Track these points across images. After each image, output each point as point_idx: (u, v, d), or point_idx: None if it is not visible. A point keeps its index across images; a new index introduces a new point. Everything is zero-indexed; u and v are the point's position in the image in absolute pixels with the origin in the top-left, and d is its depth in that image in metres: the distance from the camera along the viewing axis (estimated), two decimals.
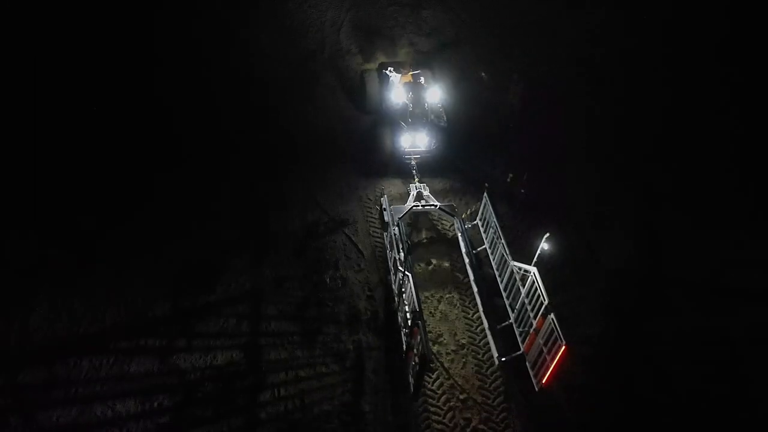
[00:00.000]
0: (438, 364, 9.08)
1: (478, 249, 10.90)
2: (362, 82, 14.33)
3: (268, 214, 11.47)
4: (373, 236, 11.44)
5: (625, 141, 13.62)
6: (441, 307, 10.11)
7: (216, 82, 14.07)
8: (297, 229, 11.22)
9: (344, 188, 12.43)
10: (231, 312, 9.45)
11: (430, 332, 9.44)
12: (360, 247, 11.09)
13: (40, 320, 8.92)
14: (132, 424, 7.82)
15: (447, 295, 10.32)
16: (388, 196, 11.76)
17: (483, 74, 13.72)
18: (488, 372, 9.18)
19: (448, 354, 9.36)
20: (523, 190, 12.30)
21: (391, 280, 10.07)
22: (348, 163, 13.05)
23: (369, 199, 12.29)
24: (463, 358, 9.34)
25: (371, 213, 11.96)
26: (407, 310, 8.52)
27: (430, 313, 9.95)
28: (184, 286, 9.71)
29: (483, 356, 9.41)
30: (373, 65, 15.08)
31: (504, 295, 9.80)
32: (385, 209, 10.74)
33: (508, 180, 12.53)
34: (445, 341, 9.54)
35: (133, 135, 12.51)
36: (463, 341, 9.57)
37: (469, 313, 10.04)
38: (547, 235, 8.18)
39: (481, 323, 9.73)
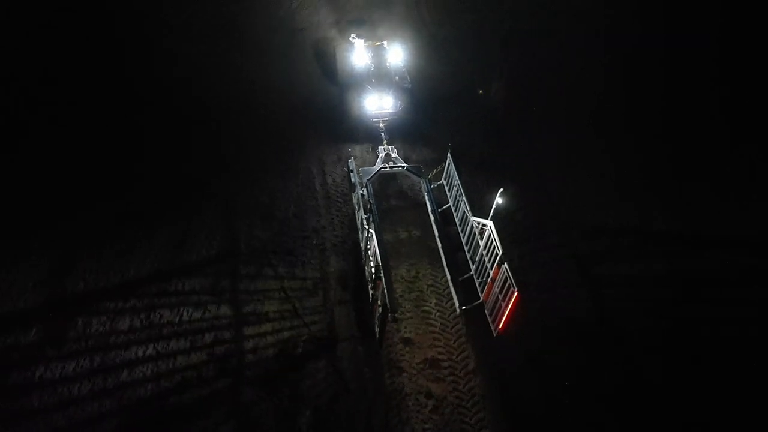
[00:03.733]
0: (403, 310, 9.67)
1: (443, 207, 11.40)
2: (334, 55, 14.58)
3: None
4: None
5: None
6: (412, 272, 10.67)
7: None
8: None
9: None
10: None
11: (397, 289, 10.05)
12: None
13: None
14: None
15: (415, 261, 10.88)
16: (355, 159, 12.12)
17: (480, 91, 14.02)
18: (450, 318, 9.86)
19: (416, 305, 9.99)
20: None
21: (359, 238, 10.55)
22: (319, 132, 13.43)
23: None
24: (429, 310, 9.98)
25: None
26: (372, 265, 9.03)
27: (402, 277, 10.48)
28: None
29: (446, 304, 10.08)
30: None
31: (465, 249, 10.38)
32: (351, 171, 11.08)
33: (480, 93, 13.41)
34: (413, 295, 10.15)
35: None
36: (429, 295, 10.18)
37: (436, 273, 10.61)
38: (501, 190, 8.67)
39: (445, 276, 10.33)
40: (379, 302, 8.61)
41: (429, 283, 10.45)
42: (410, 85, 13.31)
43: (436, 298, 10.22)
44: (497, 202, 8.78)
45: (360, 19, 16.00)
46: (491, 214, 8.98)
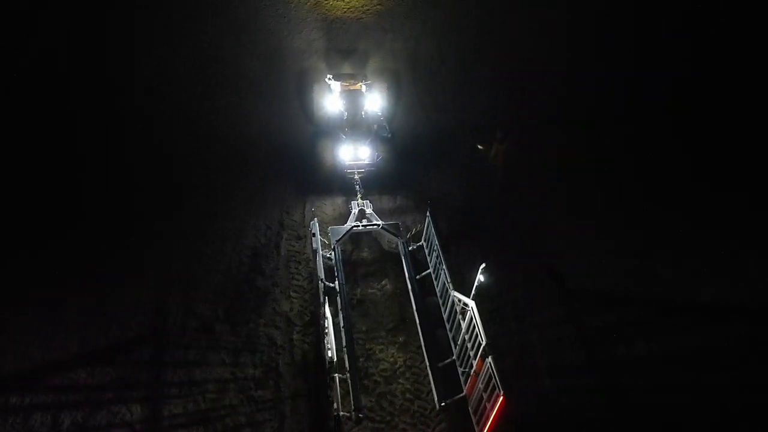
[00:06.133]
0: (364, 414, 7.98)
1: (423, 273, 9.91)
2: (312, 93, 13.43)
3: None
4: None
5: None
6: (381, 344, 9.09)
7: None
8: None
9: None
10: None
11: (366, 369, 8.51)
12: None
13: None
14: None
15: (389, 328, 9.32)
16: (325, 217, 10.75)
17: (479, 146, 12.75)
18: (432, 415, 8.18)
19: (387, 394, 8.34)
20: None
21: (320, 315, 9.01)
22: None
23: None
24: (406, 401, 8.33)
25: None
26: (327, 357, 7.43)
27: (368, 350, 8.94)
28: None
29: (426, 396, 8.41)
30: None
31: (447, 326, 8.83)
32: (314, 234, 9.60)
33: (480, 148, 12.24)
34: (384, 376, 8.55)
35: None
36: (405, 380, 8.57)
37: (412, 349, 9.03)
38: (483, 265, 7.19)
39: (423, 360, 8.72)
40: (335, 405, 7.01)
41: (405, 366, 8.82)
42: (390, 135, 12.06)
43: (413, 386, 8.56)
44: (479, 279, 7.30)
45: (351, 49, 14.91)
46: (473, 292, 7.49)
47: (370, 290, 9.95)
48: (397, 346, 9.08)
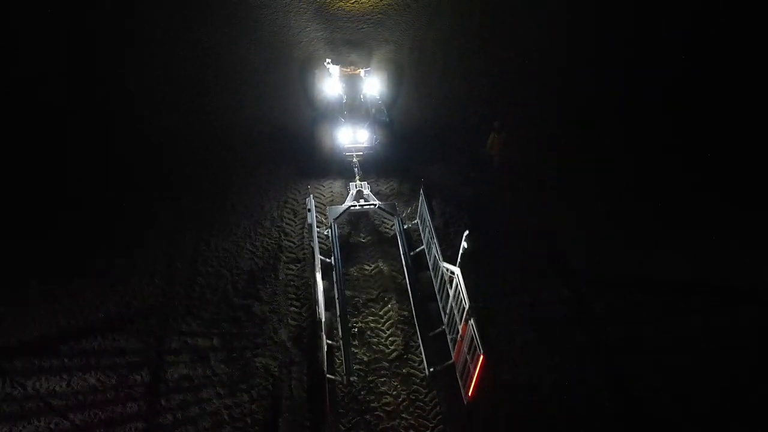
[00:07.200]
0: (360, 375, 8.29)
1: (417, 250, 10.20)
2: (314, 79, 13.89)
3: None
4: None
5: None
6: (377, 313, 9.36)
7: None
8: None
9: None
10: None
11: (357, 349, 8.79)
12: None
13: None
14: None
15: (385, 299, 9.57)
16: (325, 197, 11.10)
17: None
18: (423, 384, 8.33)
19: (381, 365, 8.57)
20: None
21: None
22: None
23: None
24: (397, 369, 8.51)
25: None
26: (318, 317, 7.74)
27: (363, 323, 9.17)
28: None
29: (419, 366, 8.60)
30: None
31: (438, 298, 9.10)
32: (309, 210, 9.94)
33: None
34: (377, 349, 8.79)
35: None
36: (398, 352, 8.77)
37: (405, 319, 9.27)
38: (467, 232, 7.46)
39: (416, 331, 8.98)
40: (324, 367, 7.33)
41: (400, 337, 9.05)
42: (388, 119, 12.37)
43: (407, 355, 8.77)
44: (464, 246, 7.57)
45: (356, 40, 15.29)
46: (458, 260, 7.76)
47: (365, 267, 10.21)
48: (392, 318, 9.32)
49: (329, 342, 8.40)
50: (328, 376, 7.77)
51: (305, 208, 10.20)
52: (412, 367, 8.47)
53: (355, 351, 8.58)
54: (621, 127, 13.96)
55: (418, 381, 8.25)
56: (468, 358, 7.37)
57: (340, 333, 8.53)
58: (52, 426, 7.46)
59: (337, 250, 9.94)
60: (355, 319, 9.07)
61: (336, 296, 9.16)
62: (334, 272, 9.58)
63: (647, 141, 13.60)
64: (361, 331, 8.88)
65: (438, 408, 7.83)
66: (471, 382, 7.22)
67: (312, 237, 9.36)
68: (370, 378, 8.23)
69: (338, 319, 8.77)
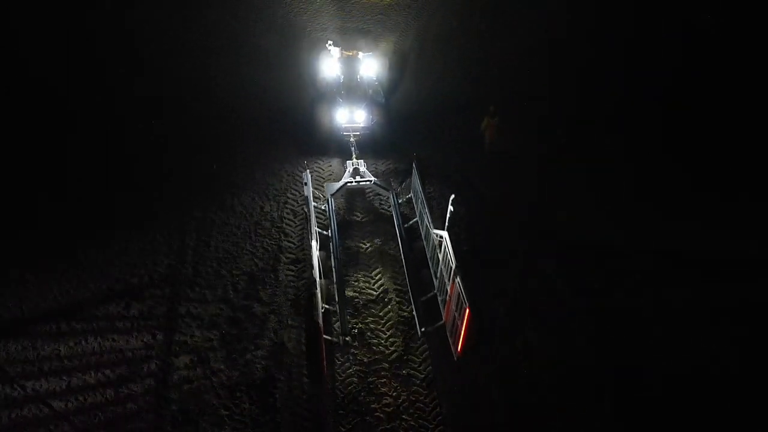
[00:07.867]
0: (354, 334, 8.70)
1: (411, 222, 10.61)
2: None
3: None
4: None
5: None
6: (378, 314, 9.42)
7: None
8: None
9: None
10: None
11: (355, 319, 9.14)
12: None
13: None
14: None
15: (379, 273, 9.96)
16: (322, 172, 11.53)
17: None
18: (424, 385, 8.33)
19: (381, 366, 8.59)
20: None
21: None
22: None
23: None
24: (398, 370, 8.50)
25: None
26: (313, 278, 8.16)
27: (363, 324, 9.14)
28: None
29: (419, 367, 8.54)
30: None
31: (430, 265, 9.52)
32: (306, 184, 10.36)
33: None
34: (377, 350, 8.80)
35: None
36: (398, 353, 8.75)
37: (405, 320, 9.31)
38: (453, 197, 7.87)
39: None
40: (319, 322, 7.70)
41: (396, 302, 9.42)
42: (384, 100, 12.77)
43: (407, 356, 8.70)
44: (450, 210, 7.98)
45: (364, 29, 15.87)
46: (446, 224, 8.18)
47: (361, 244, 10.45)
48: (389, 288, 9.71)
49: (326, 306, 8.86)
50: (324, 336, 8.19)
51: (303, 183, 10.54)
52: (413, 369, 8.44)
53: (355, 352, 8.57)
54: (620, 127, 14.00)
55: (418, 382, 8.25)
56: (456, 315, 7.79)
57: (336, 298, 8.98)
58: (51, 427, 7.48)
59: (334, 223, 10.38)
60: (355, 320, 9.06)
61: (333, 265, 9.61)
62: (331, 243, 10.03)
63: (647, 141, 13.69)
64: (361, 333, 8.88)
65: (438, 409, 7.86)
66: (459, 338, 7.64)
67: (308, 209, 9.76)
68: (370, 379, 8.21)
69: (335, 286, 9.24)
